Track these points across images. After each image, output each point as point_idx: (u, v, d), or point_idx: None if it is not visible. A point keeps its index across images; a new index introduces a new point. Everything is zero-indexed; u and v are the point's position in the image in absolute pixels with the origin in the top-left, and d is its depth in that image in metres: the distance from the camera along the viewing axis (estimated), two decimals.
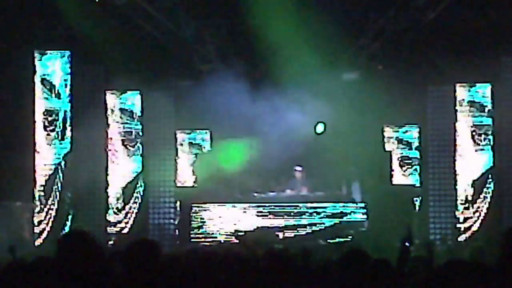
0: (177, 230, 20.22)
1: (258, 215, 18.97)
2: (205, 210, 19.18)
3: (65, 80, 19.52)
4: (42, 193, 19.23)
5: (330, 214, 19.05)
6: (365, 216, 19.02)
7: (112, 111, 20.33)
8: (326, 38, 19.17)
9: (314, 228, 18.92)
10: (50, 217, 19.23)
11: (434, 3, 19.43)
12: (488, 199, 19.72)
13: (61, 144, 19.44)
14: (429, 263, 6.94)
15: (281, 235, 18.74)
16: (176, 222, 20.28)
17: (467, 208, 19.84)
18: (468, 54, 19.27)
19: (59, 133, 19.51)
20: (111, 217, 20.08)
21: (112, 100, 20.34)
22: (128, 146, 20.40)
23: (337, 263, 5.92)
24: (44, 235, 19.12)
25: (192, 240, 18.97)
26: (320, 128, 20.53)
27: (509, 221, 18.69)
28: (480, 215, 19.68)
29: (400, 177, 21.08)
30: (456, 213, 19.83)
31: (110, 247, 18.05)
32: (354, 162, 20.30)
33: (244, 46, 20.16)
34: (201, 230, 19.05)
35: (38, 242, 19.02)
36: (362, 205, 19.26)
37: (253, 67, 20.46)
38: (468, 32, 19.55)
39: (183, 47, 20.52)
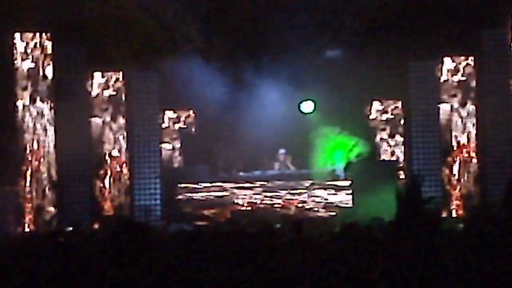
0: (162, 211, 20.20)
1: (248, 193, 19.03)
2: (192, 190, 19.19)
3: (48, 60, 19.39)
4: (28, 176, 19.16)
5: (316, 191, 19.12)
6: (350, 192, 19.09)
7: (97, 94, 20.25)
8: (308, 15, 19.14)
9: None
10: (35, 198, 19.17)
11: None
12: (472, 175, 19.89)
13: (45, 126, 19.35)
14: None
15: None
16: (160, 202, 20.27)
17: (452, 183, 19.97)
18: (450, 29, 19.32)
19: (43, 115, 19.41)
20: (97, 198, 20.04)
21: (96, 81, 20.24)
22: (112, 127, 20.34)
23: (331, 236, 5.96)
24: (30, 216, 19.07)
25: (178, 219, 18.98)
26: (308, 107, 20.53)
27: (493, 193, 18.81)
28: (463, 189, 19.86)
29: (384, 153, 21.16)
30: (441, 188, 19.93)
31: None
32: (338, 139, 20.36)
33: (226, 25, 20.11)
34: (187, 210, 19.06)
35: (24, 224, 18.96)
36: (347, 182, 19.33)
37: (235, 46, 20.42)
38: (449, 6, 19.60)
39: (165, 27, 20.45)
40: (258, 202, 18.89)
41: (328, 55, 20.82)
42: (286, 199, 18.96)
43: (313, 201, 18.78)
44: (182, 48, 20.64)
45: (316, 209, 18.78)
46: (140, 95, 20.25)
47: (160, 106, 20.61)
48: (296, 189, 19.08)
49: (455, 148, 20.13)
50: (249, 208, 18.74)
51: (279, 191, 19.03)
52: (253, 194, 19.04)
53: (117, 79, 20.40)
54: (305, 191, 18.95)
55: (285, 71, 19.85)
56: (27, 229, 18.76)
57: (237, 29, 19.58)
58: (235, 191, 19.12)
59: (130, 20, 20.02)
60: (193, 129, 21.20)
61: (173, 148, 21.32)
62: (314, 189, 19.07)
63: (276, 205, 18.82)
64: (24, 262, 5.28)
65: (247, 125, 19.91)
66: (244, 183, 19.34)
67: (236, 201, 18.87)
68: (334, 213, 18.66)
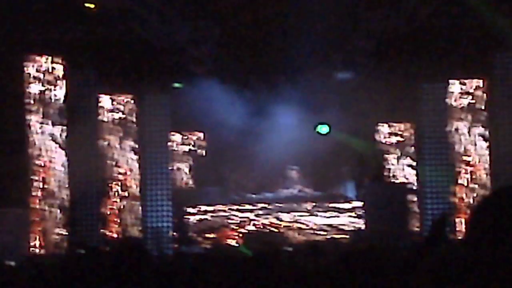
0: (174, 233, 20.18)
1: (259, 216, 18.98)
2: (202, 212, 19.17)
3: (58, 83, 19.48)
4: (38, 198, 19.19)
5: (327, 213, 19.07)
6: (361, 214, 19.03)
7: (107, 116, 20.32)
8: (319, 38, 19.17)
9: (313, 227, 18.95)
10: (46, 221, 19.19)
11: (426, 2, 19.48)
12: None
13: (55, 148, 19.41)
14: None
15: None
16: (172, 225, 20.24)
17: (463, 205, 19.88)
18: (461, 51, 19.30)
19: (53, 137, 19.48)
20: (107, 220, 20.05)
21: (105, 104, 20.32)
22: (122, 149, 20.39)
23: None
24: (40, 240, 19.08)
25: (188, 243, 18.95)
26: (324, 129, 20.56)
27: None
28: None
29: (395, 175, 21.11)
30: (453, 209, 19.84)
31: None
32: (349, 161, 20.33)
33: (237, 47, 20.17)
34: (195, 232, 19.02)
35: (33, 247, 18.97)
36: (358, 203, 19.27)
37: (246, 69, 20.46)
38: (461, 29, 19.60)
39: (176, 50, 20.51)
40: (262, 224, 18.85)
41: (339, 77, 20.85)
42: (289, 221, 18.95)
43: (314, 223, 18.74)
44: (194, 70, 20.69)
45: (321, 232, 18.74)
46: (151, 117, 20.28)
47: (171, 128, 20.65)
48: (299, 211, 19.07)
49: (466, 171, 20.05)
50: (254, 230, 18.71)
51: (283, 212, 19.02)
52: (257, 216, 19.02)
53: (127, 102, 20.48)
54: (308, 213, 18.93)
55: (297, 93, 19.88)
56: (37, 251, 18.75)
57: (249, 51, 19.63)
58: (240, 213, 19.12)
59: (141, 44, 20.10)
60: (204, 152, 21.22)
61: (183, 170, 21.33)
62: (316, 211, 19.05)
63: (278, 228, 18.79)
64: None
65: (259, 147, 19.92)
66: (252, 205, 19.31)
67: (240, 224, 18.84)
68: (346, 236, 18.60)
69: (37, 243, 19.13)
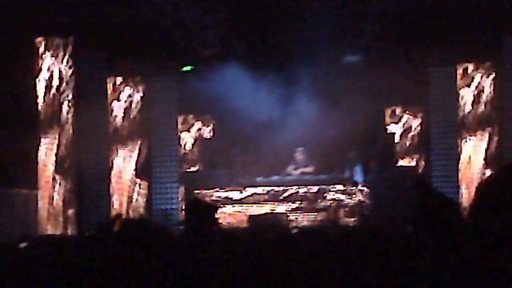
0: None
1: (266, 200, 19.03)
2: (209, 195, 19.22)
3: (69, 65, 19.56)
4: (46, 179, 19.30)
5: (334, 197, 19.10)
6: (367, 199, 19.06)
7: (117, 98, 20.41)
8: (327, 21, 19.16)
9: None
10: (55, 203, 19.30)
11: None
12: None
13: (64, 130, 19.51)
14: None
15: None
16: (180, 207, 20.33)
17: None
18: (470, 35, 19.26)
19: (63, 119, 19.58)
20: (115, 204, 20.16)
21: (115, 87, 20.40)
22: (131, 132, 20.47)
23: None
24: (51, 221, 19.20)
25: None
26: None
27: None
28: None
29: (403, 159, 21.12)
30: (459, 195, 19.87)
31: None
32: (357, 144, 20.33)
33: (245, 30, 20.18)
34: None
35: (44, 229, 19.09)
36: (365, 188, 19.29)
37: (254, 51, 20.47)
38: (469, 12, 19.54)
39: (183, 32, 20.53)
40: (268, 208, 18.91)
41: (348, 60, 20.83)
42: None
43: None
44: (202, 53, 20.71)
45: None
46: (160, 100, 20.35)
47: (179, 111, 20.70)
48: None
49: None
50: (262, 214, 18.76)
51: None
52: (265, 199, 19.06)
53: (136, 83, 20.55)
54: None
55: (306, 76, 19.90)
56: (48, 232, 18.89)
57: (257, 34, 19.64)
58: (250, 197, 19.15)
59: (149, 26, 20.12)
60: (211, 134, 21.29)
61: (191, 152, 21.40)
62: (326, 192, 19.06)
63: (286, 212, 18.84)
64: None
65: (267, 130, 19.94)
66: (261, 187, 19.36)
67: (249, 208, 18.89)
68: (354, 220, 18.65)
69: (47, 224, 19.25)
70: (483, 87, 20.15)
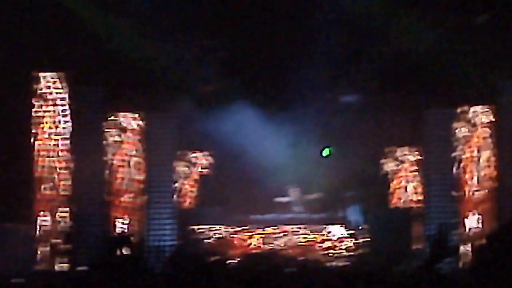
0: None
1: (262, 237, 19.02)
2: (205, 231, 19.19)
3: (64, 100, 19.60)
4: (42, 213, 19.26)
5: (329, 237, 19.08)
6: (363, 239, 19.04)
7: (113, 134, 20.42)
8: (326, 62, 19.29)
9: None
10: (51, 236, 19.25)
11: (432, 29, 19.61)
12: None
13: (61, 166, 19.51)
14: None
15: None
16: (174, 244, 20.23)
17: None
18: (467, 78, 19.40)
19: (59, 155, 19.58)
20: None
21: (112, 123, 20.42)
22: (129, 166, 20.47)
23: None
24: (46, 252, 19.13)
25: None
26: (325, 152, 20.63)
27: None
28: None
29: (399, 199, 21.09)
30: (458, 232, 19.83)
31: None
32: (353, 185, 20.35)
33: (244, 67, 20.28)
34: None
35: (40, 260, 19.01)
36: (361, 228, 19.29)
37: (253, 89, 20.55)
38: (466, 56, 19.69)
39: (183, 69, 20.61)
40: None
41: (345, 100, 20.91)
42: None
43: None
44: (200, 90, 20.80)
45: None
46: (158, 137, 20.37)
47: (177, 147, 20.72)
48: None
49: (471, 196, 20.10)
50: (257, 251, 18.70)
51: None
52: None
53: (134, 120, 20.58)
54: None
55: (303, 115, 19.97)
56: (42, 267, 18.80)
57: (255, 72, 19.76)
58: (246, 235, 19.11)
59: (149, 61, 20.23)
60: (208, 171, 21.29)
61: (187, 189, 21.38)
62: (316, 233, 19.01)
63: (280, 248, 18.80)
64: None
65: (263, 168, 19.95)
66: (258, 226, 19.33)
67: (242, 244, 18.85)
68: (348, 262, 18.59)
69: (43, 258, 19.15)
70: (479, 128, 20.22)
